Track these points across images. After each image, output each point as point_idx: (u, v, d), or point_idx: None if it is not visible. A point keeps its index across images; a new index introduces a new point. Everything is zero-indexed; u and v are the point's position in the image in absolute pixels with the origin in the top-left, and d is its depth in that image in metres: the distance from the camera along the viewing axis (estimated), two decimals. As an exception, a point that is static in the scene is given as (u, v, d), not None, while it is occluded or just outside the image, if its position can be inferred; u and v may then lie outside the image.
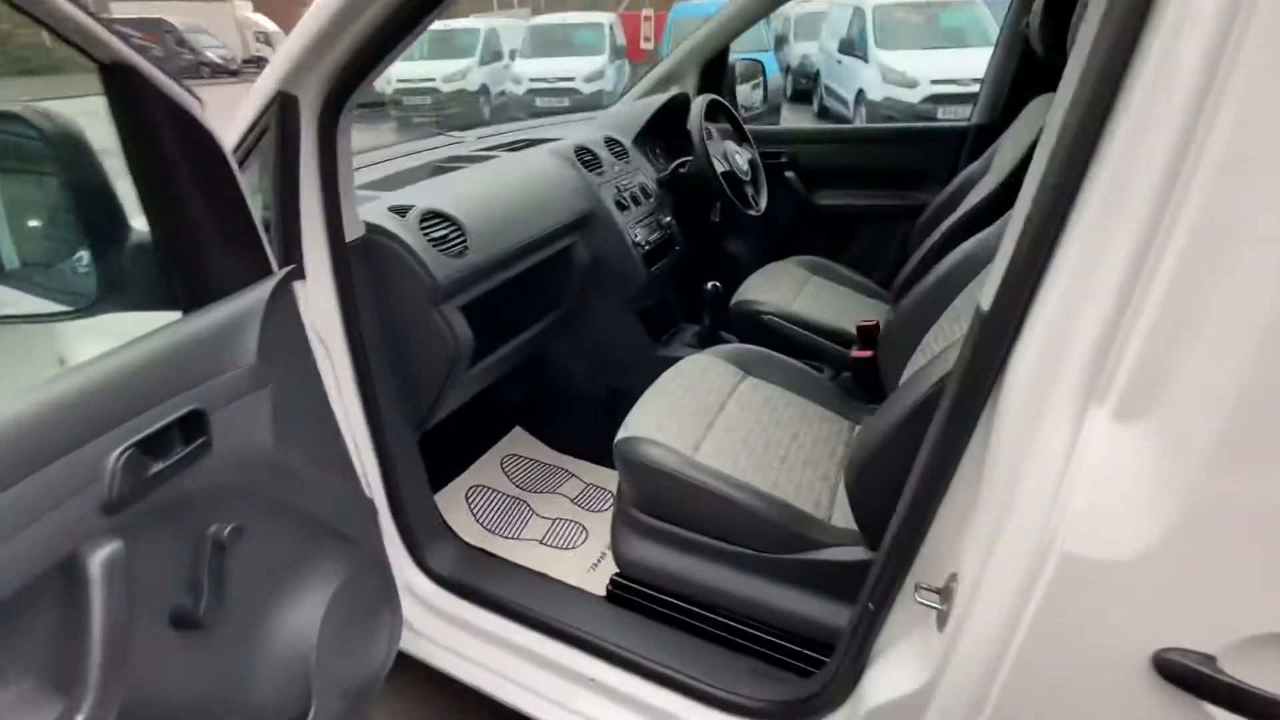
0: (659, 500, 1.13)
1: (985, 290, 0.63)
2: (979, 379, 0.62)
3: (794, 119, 9.22)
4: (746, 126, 1.99)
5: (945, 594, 0.70)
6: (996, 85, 1.82)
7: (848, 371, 1.46)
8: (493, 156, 1.48)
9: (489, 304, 1.23)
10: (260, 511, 0.77)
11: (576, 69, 9.48)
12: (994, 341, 0.60)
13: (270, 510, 0.79)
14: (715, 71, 2.12)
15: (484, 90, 10.48)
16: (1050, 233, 0.55)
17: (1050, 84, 1.59)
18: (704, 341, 1.67)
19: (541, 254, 1.32)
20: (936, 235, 1.56)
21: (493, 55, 10.70)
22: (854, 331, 1.64)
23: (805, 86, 10.03)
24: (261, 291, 0.76)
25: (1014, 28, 1.73)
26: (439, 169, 1.46)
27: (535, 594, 1.24)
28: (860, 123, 7.34)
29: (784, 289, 1.86)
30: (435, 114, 9.98)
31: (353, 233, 0.99)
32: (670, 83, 2.13)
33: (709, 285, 1.60)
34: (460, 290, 1.12)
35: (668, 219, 1.68)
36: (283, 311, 0.79)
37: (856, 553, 1.00)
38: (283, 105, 0.85)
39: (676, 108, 1.93)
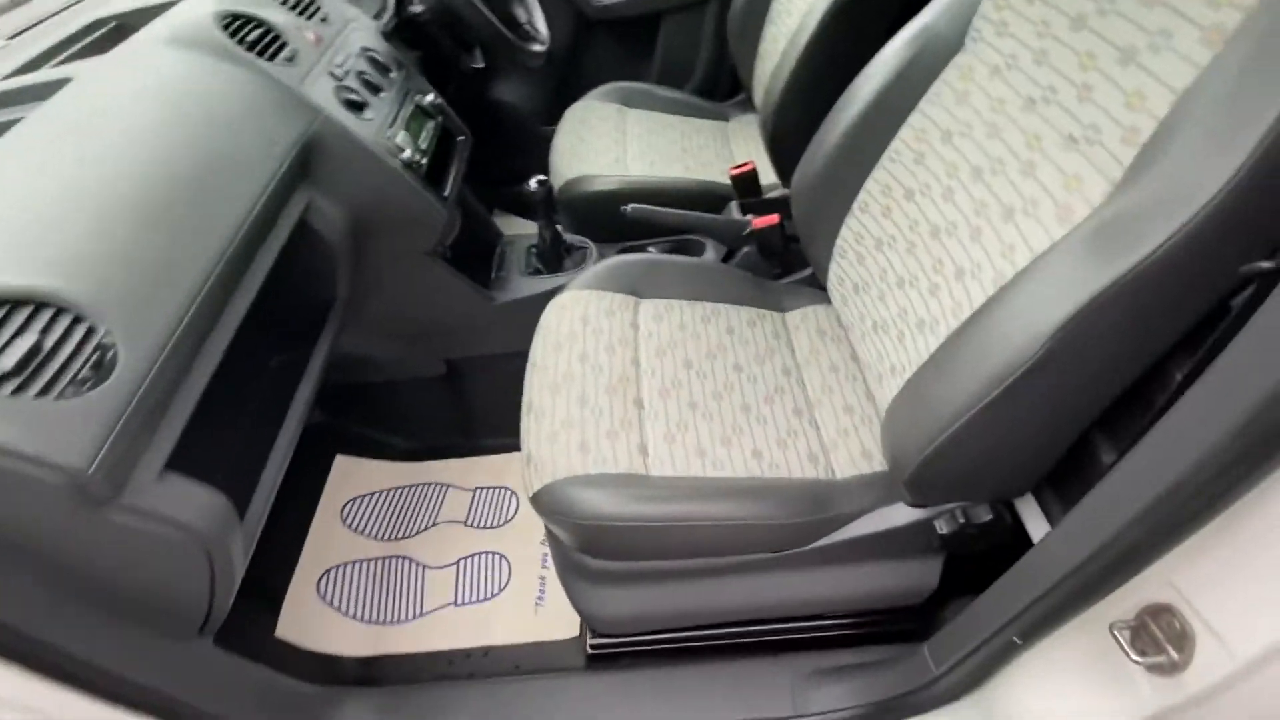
0: (621, 548, 0.80)
1: None
2: None
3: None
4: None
5: (1163, 634, 0.49)
6: None
7: (747, 245, 1.13)
8: (56, 81, 0.73)
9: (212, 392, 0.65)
10: None
11: None
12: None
13: None
14: None
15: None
16: None
17: None
18: (548, 262, 1.21)
19: (263, 255, 0.72)
20: (795, 24, 1.18)
21: None
22: (725, 181, 1.30)
23: None
24: None
25: None
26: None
27: (498, 698, 0.90)
28: None
29: (607, 144, 1.41)
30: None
31: None
32: None
33: (533, 183, 1.10)
34: (142, 452, 0.53)
35: (430, 98, 1.07)
36: None
37: (898, 514, 0.78)
38: None
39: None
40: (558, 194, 1.36)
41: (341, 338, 1.02)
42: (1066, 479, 0.71)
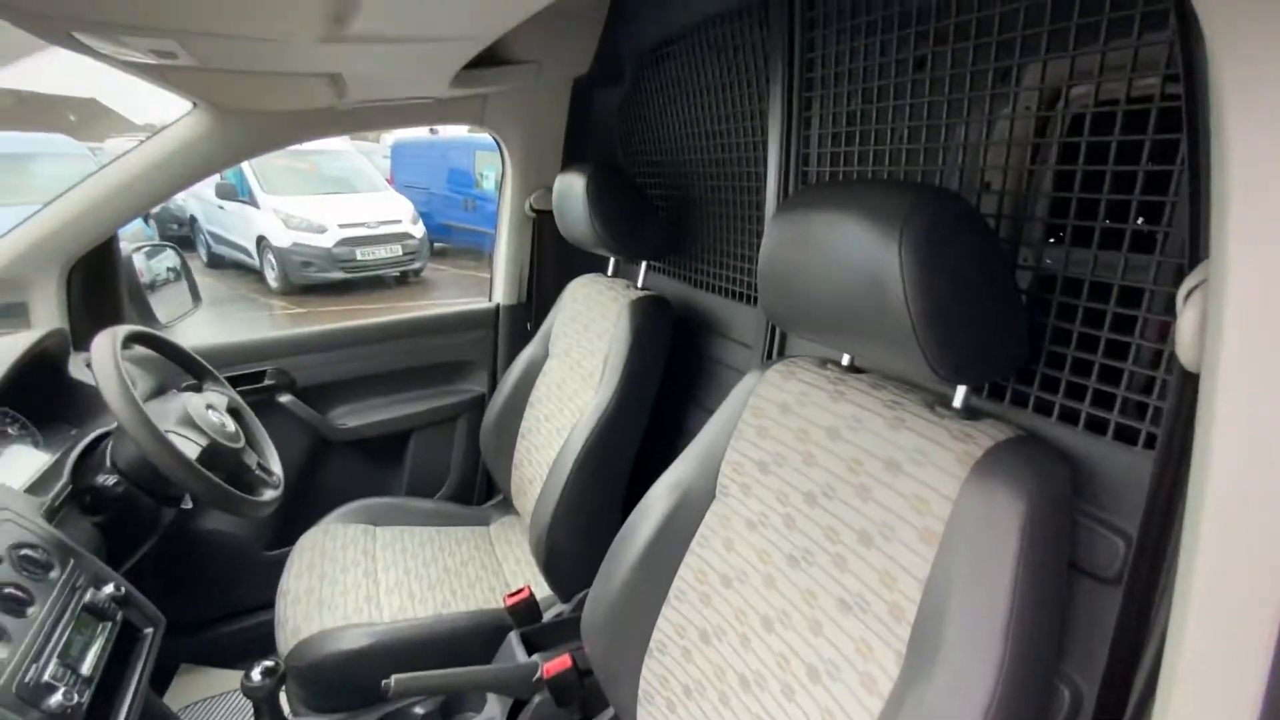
0: None
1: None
2: None
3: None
4: (189, 348, 1.24)
5: None
6: (515, 267, 1.68)
7: (539, 694, 0.99)
8: None
9: None
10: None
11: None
12: None
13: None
14: (97, 273, 1.27)
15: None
16: None
17: (580, 266, 1.57)
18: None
19: None
20: (551, 442, 1.28)
21: None
22: (499, 606, 1.19)
23: (177, 233, 8.44)
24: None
25: (517, 209, 1.63)
26: None
27: None
28: (274, 271, 6.58)
29: (354, 579, 1.24)
30: None
31: None
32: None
33: (257, 674, 0.85)
34: None
35: (110, 588, 0.82)
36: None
37: None
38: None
39: (44, 354, 1.04)
40: (288, 658, 1.08)
41: None
42: None
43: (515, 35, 1.29)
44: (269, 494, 1.09)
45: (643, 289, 1.30)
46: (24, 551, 0.74)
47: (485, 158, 8.11)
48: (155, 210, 8.42)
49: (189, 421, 1.04)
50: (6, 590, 0.68)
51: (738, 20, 1.13)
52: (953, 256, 0.56)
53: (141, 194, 1.23)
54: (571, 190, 1.24)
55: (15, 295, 1.19)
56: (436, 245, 8.06)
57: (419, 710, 1.10)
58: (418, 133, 9.17)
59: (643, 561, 0.88)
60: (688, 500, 0.88)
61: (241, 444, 1.11)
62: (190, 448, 0.99)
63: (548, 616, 1.19)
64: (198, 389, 1.19)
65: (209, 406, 1.11)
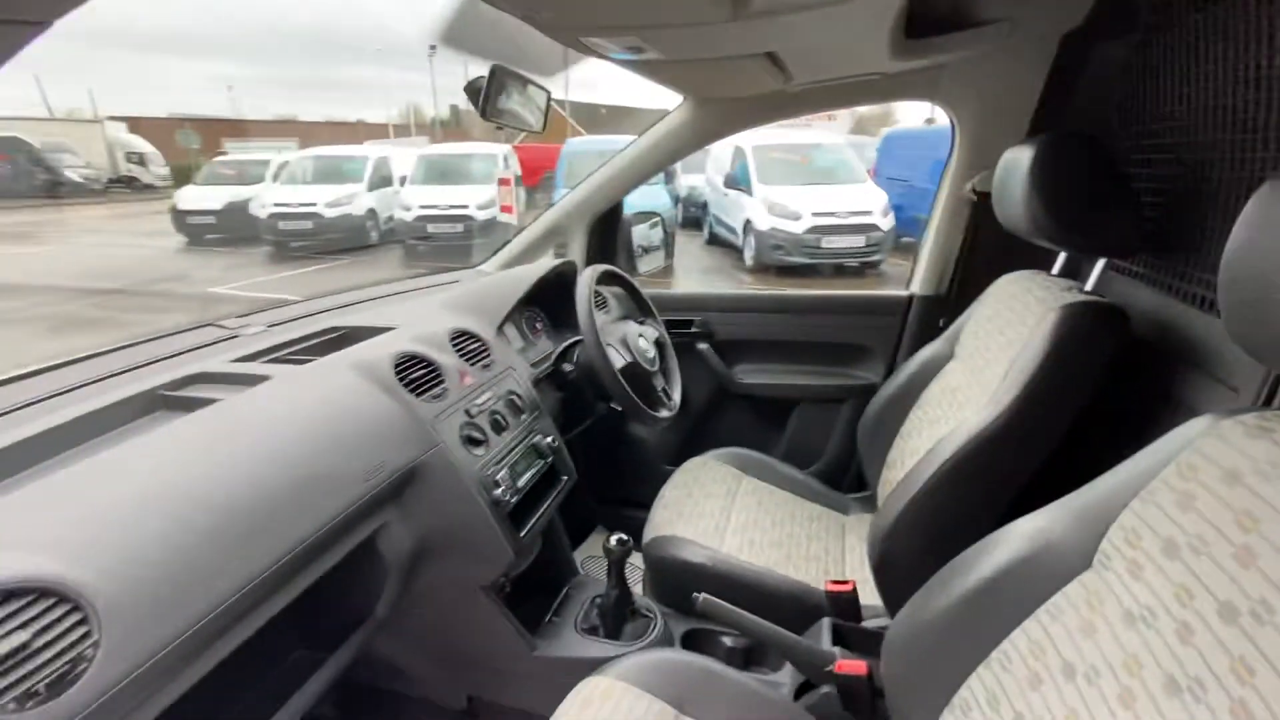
0: None
1: None
2: None
3: (685, 243, 9.50)
4: (647, 291, 1.58)
5: None
6: (941, 255, 1.55)
7: (828, 685, 0.96)
8: (258, 377, 0.91)
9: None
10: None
11: (469, 197, 9.40)
12: None
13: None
14: (607, 228, 1.74)
15: (371, 215, 10.25)
16: None
17: (1018, 261, 1.34)
18: (608, 624, 1.13)
19: (314, 568, 0.75)
20: (927, 445, 1.17)
21: (382, 181, 10.58)
22: (823, 588, 1.18)
23: (694, 214, 10.52)
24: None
25: (955, 192, 1.49)
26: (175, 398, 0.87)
27: None
28: (750, 251, 7.54)
29: (711, 508, 1.39)
30: (315, 239, 9.67)
31: None
32: (552, 240, 1.74)
33: (613, 540, 1.09)
34: None
35: (550, 439, 1.17)
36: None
37: None
38: None
39: (561, 275, 1.51)
40: (646, 544, 1.33)
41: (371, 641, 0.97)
42: None
43: (982, -9, 1.15)
44: (664, 413, 1.34)
45: (1090, 293, 1.02)
46: (511, 397, 1.13)
47: (979, 148, 7.32)
48: (684, 194, 10.71)
49: (625, 343, 1.36)
50: (495, 415, 1.06)
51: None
52: None
53: (641, 169, 1.62)
54: (1015, 167, 1.05)
55: (561, 240, 1.74)
56: (903, 240, 7.82)
57: (727, 641, 1.20)
58: (913, 123, 8.93)
59: (970, 601, 0.74)
60: (1048, 555, 0.69)
61: (656, 369, 1.39)
62: (618, 360, 1.29)
63: (870, 624, 1.12)
64: (642, 322, 1.53)
65: (642, 336, 1.42)
